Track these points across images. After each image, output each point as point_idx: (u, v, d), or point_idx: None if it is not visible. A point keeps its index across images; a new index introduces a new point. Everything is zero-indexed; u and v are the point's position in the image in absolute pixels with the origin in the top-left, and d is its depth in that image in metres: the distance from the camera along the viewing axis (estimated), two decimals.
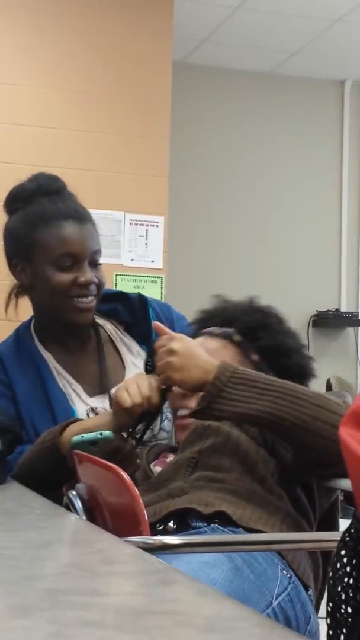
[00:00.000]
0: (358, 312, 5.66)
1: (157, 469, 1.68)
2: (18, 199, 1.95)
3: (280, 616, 1.36)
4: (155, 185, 4.76)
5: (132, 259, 4.64)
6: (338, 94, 5.87)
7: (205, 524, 1.45)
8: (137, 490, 1.28)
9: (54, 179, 1.98)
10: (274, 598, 1.37)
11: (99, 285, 1.90)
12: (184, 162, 5.43)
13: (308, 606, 1.45)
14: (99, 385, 1.93)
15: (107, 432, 1.71)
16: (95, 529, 1.18)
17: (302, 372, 1.76)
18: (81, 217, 1.90)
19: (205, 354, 1.56)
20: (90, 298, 1.89)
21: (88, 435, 1.69)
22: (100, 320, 2.02)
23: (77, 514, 1.39)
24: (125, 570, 0.95)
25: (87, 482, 1.47)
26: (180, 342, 1.57)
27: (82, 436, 1.70)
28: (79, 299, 1.88)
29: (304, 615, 1.42)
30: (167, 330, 1.67)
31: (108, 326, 2.02)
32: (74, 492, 1.44)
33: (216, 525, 1.45)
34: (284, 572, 1.44)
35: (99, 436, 1.67)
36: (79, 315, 1.90)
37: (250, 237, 5.63)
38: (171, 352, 1.55)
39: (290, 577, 1.45)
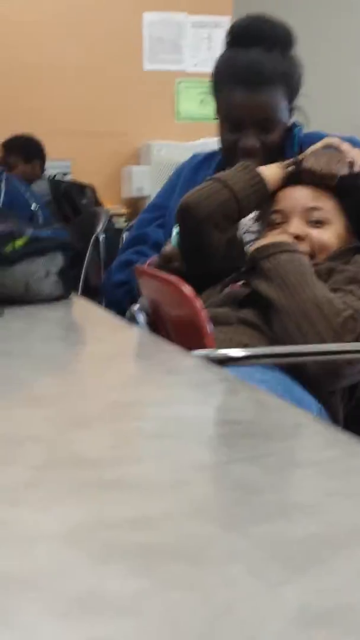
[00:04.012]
0: None
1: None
2: (228, 34, 1.96)
3: None
4: None
5: (195, 65, 4.45)
6: None
7: None
8: (199, 303, 1.27)
9: (263, 27, 1.93)
10: None
11: (268, 148, 1.90)
12: None
13: None
14: None
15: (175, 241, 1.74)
16: (159, 342, 1.18)
17: None
18: (259, 80, 1.88)
19: None
20: (256, 159, 1.89)
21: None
22: None
23: (142, 328, 1.39)
24: (188, 380, 0.95)
25: (150, 296, 1.47)
26: None
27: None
28: (243, 159, 1.91)
29: None
30: None
31: None
32: (137, 307, 1.44)
33: None
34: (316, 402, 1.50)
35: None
36: None
37: (327, 43, 5.35)
38: None
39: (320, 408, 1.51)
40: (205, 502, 0.56)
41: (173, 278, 1.34)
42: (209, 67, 2.07)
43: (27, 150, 4.23)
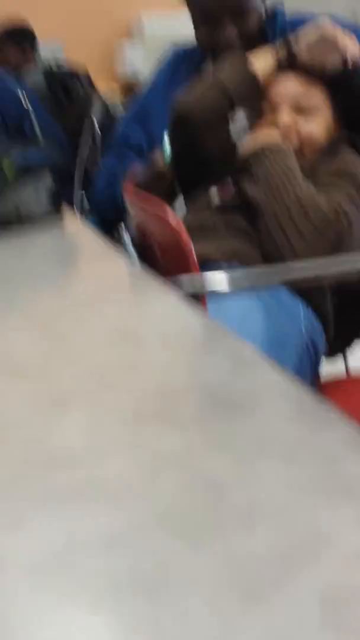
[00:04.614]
0: None
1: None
2: None
3: (308, 342, 1.45)
4: None
5: None
6: None
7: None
8: (185, 235, 1.26)
9: None
10: (303, 327, 1.44)
11: (246, 37, 1.87)
12: None
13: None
14: None
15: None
16: (143, 276, 1.17)
17: None
18: None
19: None
20: (237, 50, 1.86)
21: None
22: None
23: (129, 255, 1.39)
24: (168, 332, 0.96)
25: (136, 216, 1.46)
26: None
27: None
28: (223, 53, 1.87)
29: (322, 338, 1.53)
30: None
31: None
32: (126, 233, 1.45)
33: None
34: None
35: None
36: None
37: None
38: None
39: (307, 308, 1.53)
40: (171, 510, 0.57)
41: (159, 206, 1.33)
42: None
43: (15, 33, 4.08)
